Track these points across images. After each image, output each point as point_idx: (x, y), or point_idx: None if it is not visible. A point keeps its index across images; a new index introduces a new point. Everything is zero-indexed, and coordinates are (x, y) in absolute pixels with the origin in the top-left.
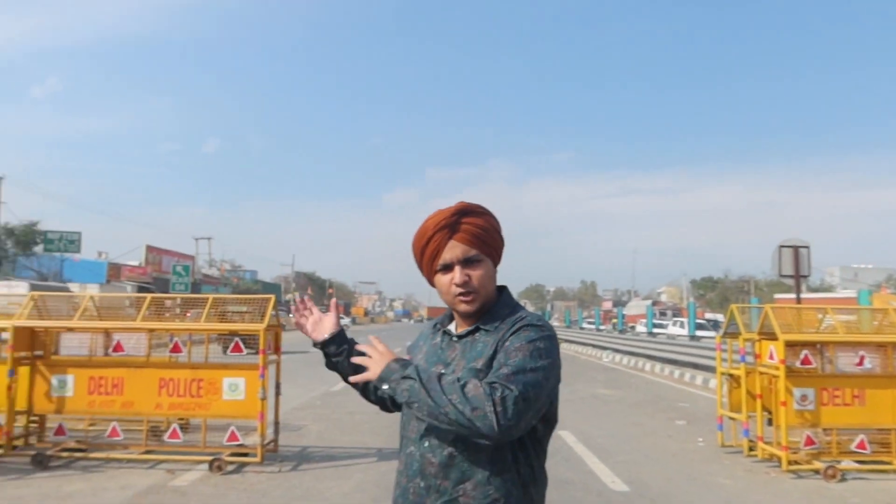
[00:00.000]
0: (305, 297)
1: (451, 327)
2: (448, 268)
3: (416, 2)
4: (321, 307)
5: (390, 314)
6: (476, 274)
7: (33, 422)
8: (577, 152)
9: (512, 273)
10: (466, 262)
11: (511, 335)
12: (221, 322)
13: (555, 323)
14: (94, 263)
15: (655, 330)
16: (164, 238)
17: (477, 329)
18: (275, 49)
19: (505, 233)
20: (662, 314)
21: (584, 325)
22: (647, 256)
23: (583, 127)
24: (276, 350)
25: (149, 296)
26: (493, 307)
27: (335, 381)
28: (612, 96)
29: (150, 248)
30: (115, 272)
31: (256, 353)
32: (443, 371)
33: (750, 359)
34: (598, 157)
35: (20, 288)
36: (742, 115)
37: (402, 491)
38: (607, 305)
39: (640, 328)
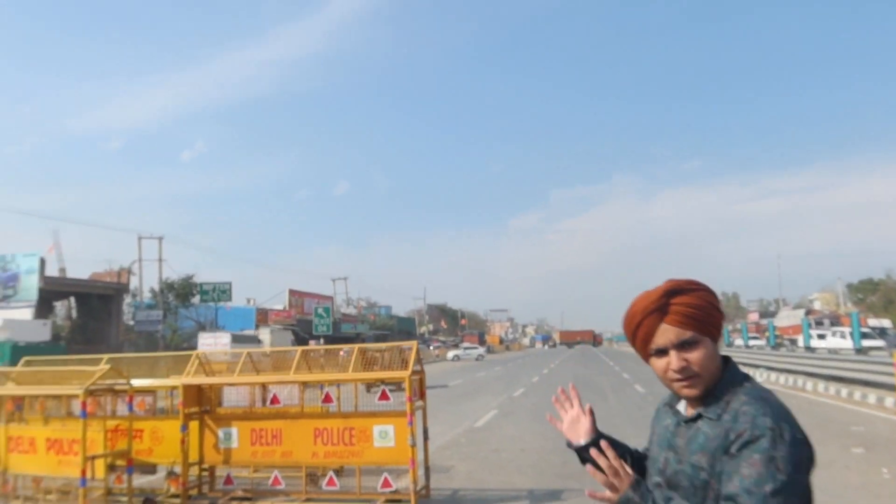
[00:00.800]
0: (570, 388)
1: (681, 406)
2: (663, 352)
3: (527, 25)
4: (455, 337)
5: (525, 341)
6: (694, 357)
7: (204, 472)
8: (706, 158)
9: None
10: (682, 346)
11: (740, 443)
12: (367, 372)
13: None
14: (243, 310)
15: (814, 343)
16: (304, 280)
17: (700, 416)
18: (392, 88)
19: (635, 247)
20: (818, 324)
21: (739, 343)
22: (793, 262)
23: (710, 130)
24: (422, 395)
25: (299, 349)
26: (717, 387)
27: (477, 417)
28: (737, 94)
29: (292, 292)
30: (262, 317)
31: (402, 391)
32: (672, 459)
33: None
34: (729, 161)
35: (225, 338)
36: (892, 96)
37: None
38: (753, 317)
39: (823, 342)
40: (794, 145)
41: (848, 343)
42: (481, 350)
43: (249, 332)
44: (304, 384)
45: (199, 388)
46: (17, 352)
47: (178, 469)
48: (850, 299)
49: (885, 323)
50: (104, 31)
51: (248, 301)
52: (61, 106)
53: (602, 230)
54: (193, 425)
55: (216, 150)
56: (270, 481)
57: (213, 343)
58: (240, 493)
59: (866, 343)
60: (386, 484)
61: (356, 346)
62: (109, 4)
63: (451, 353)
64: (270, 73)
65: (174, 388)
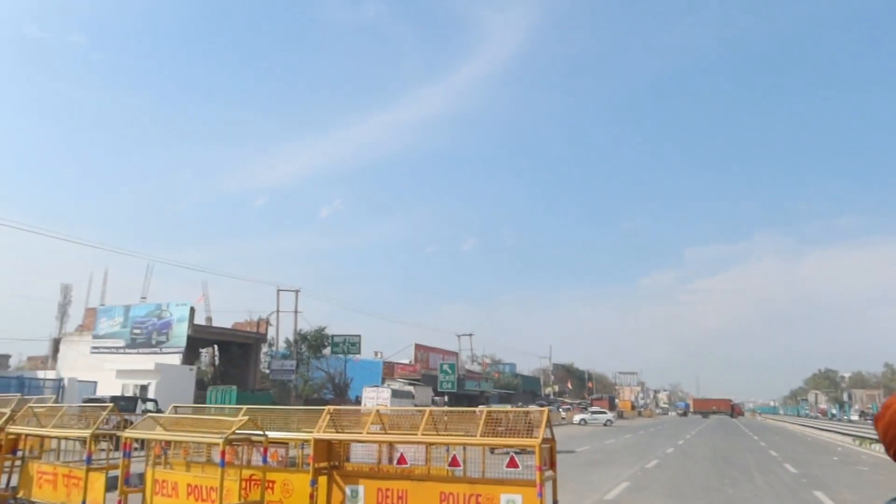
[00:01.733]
0: None
1: None
2: None
3: (660, 73)
4: (581, 400)
5: (663, 407)
6: None
7: None
8: (860, 214)
9: (796, 358)
10: None
11: None
12: (496, 437)
13: (855, 417)
14: (371, 363)
15: None
16: (429, 336)
17: None
18: (521, 147)
19: (781, 311)
20: None
21: None
22: None
23: (865, 183)
24: (552, 464)
25: (427, 409)
26: None
27: (607, 489)
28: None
29: (418, 347)
30: (389, 370)
31: (526, 454)
32: None
33: None
34: (886, 218)
35: (385, 393)
36: None
37: None
38: None
39: None
40: None
41: None
42: (610, 415)
43: (407, 387)
44: (431, 445)
45: (329, 443)
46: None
47: None
48: None
49: None
50: (258, 102)
51: (376, 354)
52: (218, 168)
53: (742, 291)
54: (322, 480)
55: (351, 208)
56: None
57: (374, 397)
58: None
59: None
60: None
61: (485, 409)
62: (257, 75)
63: (577, 417)
64: (403, 134)
65: (306, 441)
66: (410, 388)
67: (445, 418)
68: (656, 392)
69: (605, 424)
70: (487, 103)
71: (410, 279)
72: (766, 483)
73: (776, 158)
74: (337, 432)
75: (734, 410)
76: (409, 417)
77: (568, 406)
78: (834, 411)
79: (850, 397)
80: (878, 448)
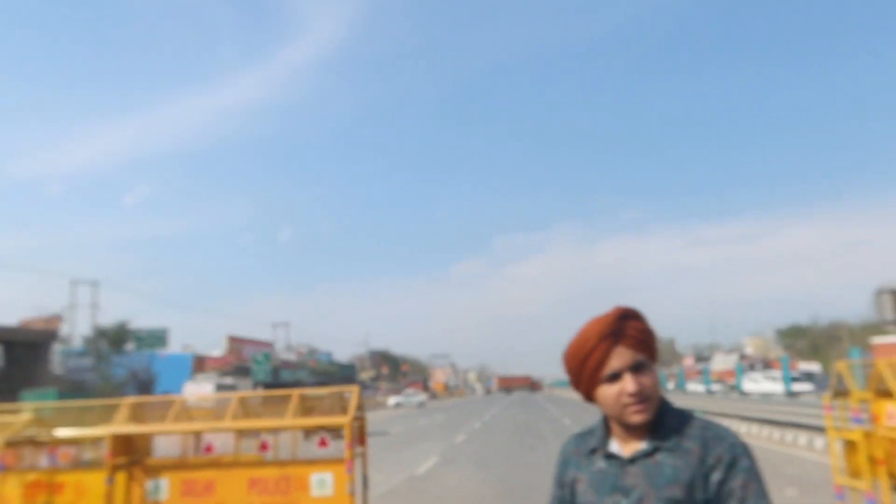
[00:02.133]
0: None
1: (614, 448)
2: (615, 377)
3: (473, 73)
4: (396, 384)
5: (471, 387)
6: (647, 380)
7: None
8: (643, 207)
9: None
10: (636, 368)
11: (724, 468)
12: (306, 418)
13: None
14: (180, 357)
15: (747, 387)
16: (245, 327)
17: (656, 449)
18: (334, 136)
19: (575, 294)
20: (752, 368)
21: (670, 387)
22: (726, 308)
23: (647, 180)
24: (362, 441)
25: (236, 395)
26: (662, 417)
27: (418, 464)
28: (673, 145)
29: (231, 339)
30: (199, 364)
31: (341, 439)
32: (624, 502)
33: (865, 417)
34: (664, 210)
35: (209, 387)
36: (817, 151)
37: None
38: (689, 362)
39: (756, 386)
40: (729, 198)
41: (779, 387)
42: (423, 397)
43: (227, 380)
44: (240, 432)
45: (128, 438)
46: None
47: None
48: (780, 344)
49: (814, 367)
50: (44, 73)
51: (185, 348)
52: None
53: (543, 277)
54: (120, 477)
55: (160, 196)
56: None
57: (196, 392)
58: None
59: (796, 387)
60: None
61: (296, 392)
62: (48, 44)
63: (392, 400)
64: (216, 120)
65: (101, 438)
66: (233, 382)
67: (256, 404)
68: (466, 372)
69: (418, 406)
70: (308, 92)
71: (224, 270)
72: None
73: (575, 152)
74: (137, 425)
75: (534, 386)
76: (217, 408)
77: (383, 390)
78: None
79: None
80: None
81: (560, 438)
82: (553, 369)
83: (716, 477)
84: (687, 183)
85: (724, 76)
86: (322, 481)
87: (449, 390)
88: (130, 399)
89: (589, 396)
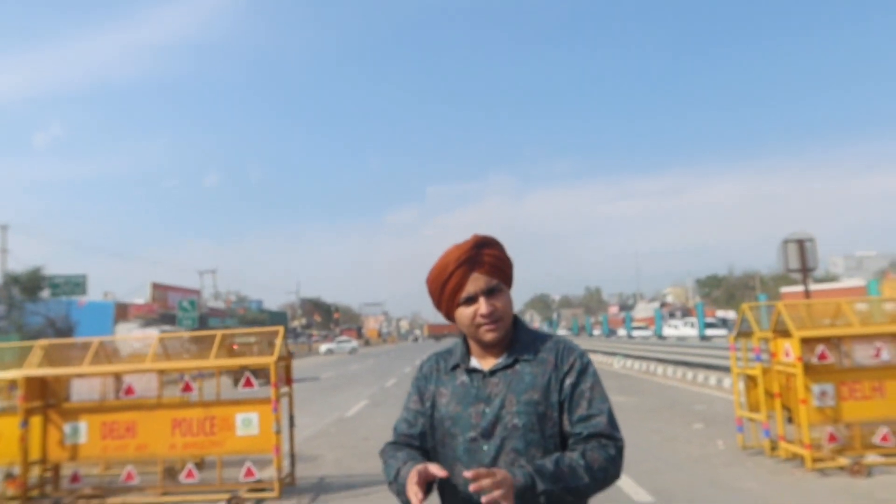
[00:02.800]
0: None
1: (475, 364)
2: (471, 300)
3: (408, 17)
4: (328, 332)
5: (404, 334)
6: (500, 303)
7: (48, 471)
8: (575, 160)
9: (517, 284)
10: (490, 293)
11: (576, 373)
12: (231, 357)
13: (562, 331)
14: (100, 304)
15: (666, 332)
16: (170, 274)
17: (516, 361)
18: (265, 79)
19: (509, 244)
20: (672, 315)
21: (598, 333)
22: (650, 258)
23: (580, 133)
24: (288, 381)
25: (157, 336)
26: (517, 335)
27: (348, 407)
28: (607, 100)
29: (155, 286)
30: (122, 312)
31: (268, 384)
32: (488, 410)
33: (766, 357)
34: (596, 163)
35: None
36: (737, 111)
37: None
38: (613, 310)
39: (674, 332)
40: (654, 153)
41: (694, 332)
42: (354, 343)
43: (165, 327)
44: (163, 373)
45: (42, 381)
46: None
47: (16, 470)
48: (698, 293)
49: (730, 315)
50: None
51: (106, 295)
52: None
53: (476, 226)
54: (35, 421)
55: (75, 136)
56: (123, 477)
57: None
58: (88, 492)
59: (710, 332)
60: (249, 473)
61: (219, 332)
62: None
63: (324, 347)
64: (136, 57)
65: (13, 381)
66: (171, 328)
67: (179, 346)
68: (399, 320)
69: (349, 353)
70: (231, 31)
71: (148, 216)
72: None
73: (509, 105)
74: (52, 368)
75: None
76: (140, 350)
77: (318, 337)
78: (545, 328)
79: (558, 316)
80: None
81: None
82: None
83: (569, 381)
84: (618, 138)
85: (660, 36)
86: (248, 421)
87: (382, 337)
88: (45, 341)
89: (449, 317)
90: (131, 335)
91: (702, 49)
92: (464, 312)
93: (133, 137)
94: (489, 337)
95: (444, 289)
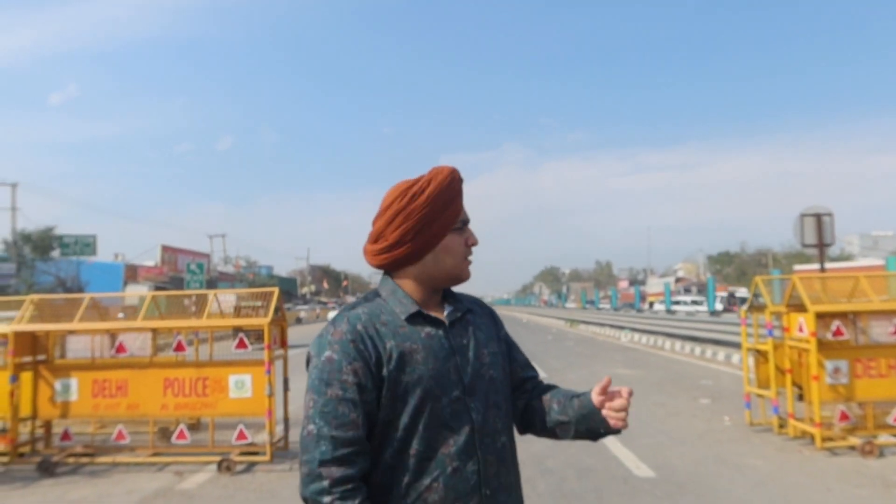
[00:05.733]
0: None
1: (433, 312)
2: (465, 225)
3: None
4: (337, 299)
5: None
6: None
7: (39, 428)
8: (590, 131)
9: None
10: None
11: (501, 324)
12: (226, 318)
13: (571, 305)
14: (110, 265)
15: (678, 307)
16: (180, 237)
17: (468, 310)
18: (284, 45)
19: (519, 214)
20: (687, 291)
21: (605, 306)
22: (662, 234)
23: (594, 106)
24: (283, 344)
25: (149, 294)
26: (449, 289)
27: None
28: (622, 75)
29: (165, 248)
30: (131, 273)
31: (262, 348)
32: (465, 363)
33: (778, 332)
34: (610, 136)
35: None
36: (755, 88)
37: None
38: (623, 285)
39: (683, 307)
40: (670, 127)
41: (703, 308)
42: None
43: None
44: (155, 331)
45: (33, 336)
46: None
47: (5, 425)
48: (710, 269)
49: (741, 291)
50: None
51: (116, 257)
52: None
53: (487, 197)
54: (26, 377)
55: (90, 96)
56: (114, 436)
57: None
58: (78, 450)
59: (720, 307)
60: (241, 436)
61: (212, 291)
62: None
63: (331, 314)
64: (154, 16)
65: (4, 335)
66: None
67: (174, 304)
68: None
69: None
70: None
71: (159, 178)
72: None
73: (523, 71)
74: (43, 323)
75: None
76: (134, 307)
77: (325, 303)
78: (553, 301)
79: (567, 289)
80: (584, 328)
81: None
82: (492, 287)
83: (503, 332)
84: (633, 111)
85: (678, 6)
86: (241, 383)
87: None
88: (36, 296)
89: (432, 242)
90: (128, 293)
91: (721, 20)
92: (457, 239)
93: (148, 98)
94: (467, 274)
95: (448, 209)
